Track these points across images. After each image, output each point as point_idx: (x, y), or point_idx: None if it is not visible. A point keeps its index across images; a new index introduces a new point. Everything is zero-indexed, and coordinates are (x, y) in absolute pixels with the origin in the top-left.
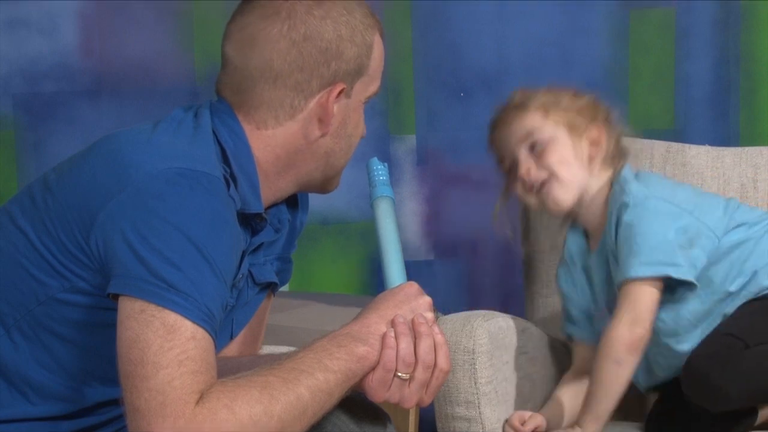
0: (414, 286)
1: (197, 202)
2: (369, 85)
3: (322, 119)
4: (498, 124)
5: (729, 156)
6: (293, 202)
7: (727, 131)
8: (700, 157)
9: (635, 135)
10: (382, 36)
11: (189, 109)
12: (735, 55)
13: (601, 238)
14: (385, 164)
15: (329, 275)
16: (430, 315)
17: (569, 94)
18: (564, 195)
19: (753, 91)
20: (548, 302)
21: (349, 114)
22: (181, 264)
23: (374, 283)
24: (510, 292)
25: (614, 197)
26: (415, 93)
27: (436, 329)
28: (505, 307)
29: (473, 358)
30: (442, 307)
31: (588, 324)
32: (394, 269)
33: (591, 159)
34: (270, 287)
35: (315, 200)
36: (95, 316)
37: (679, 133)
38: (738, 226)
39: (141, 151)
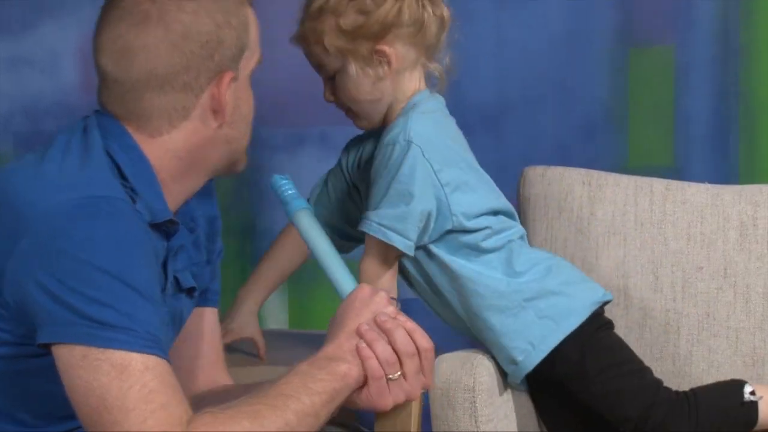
0: (365, 289)
1: (102, 231)
2: (251, 59)
3: (217, 111)
4: (297, 32)
5: (728, 194)
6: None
7: (726, 169)
8: (700, 194)
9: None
10: (251, 4)
11: (74, 130)
12: (734, 93)
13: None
14: (288, 176)
15: (329, 314)
16: (391, 309)
17: (346, 11)
18: (363, 123)
19: (752, 128)
20: None
21: (240, 95)
22: (107, 299)
23: None
24: None
25: (398, 119)
26: None
27: (402, 318)
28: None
29: (473, 396)
30: (443, 345)
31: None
32: (341, 278)
33: (379, 78)
34: (192, 293)
35: None
36: (20, 364)
37: (678, 170)
38: (486, 214)
39: (32, 187)
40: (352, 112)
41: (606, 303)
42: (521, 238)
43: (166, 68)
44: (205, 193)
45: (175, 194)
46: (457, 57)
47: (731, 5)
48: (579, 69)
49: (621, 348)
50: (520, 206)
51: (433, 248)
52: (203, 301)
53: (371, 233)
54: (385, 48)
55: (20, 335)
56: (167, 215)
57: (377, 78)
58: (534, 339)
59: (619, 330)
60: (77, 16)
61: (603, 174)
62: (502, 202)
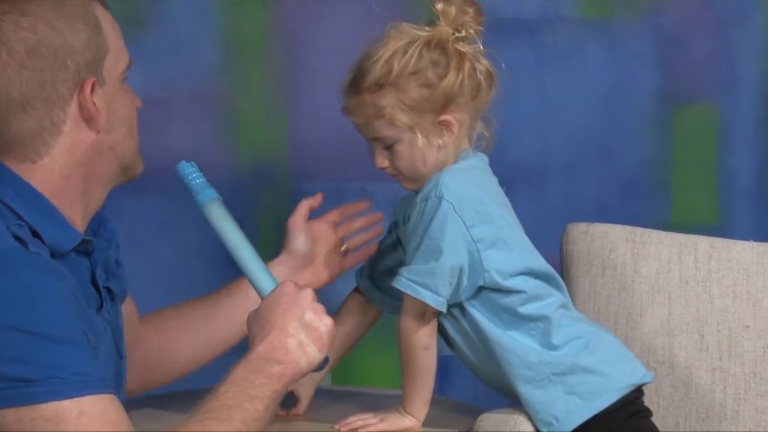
0: (290, 285)
1: (0, 288)
2: (118, 61)
3: (89, 119)
4: (349, 105)
5: None
6: None
7: None
8: (745, 252)
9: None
10: (105, 5)
11: None
12: None
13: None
14: (193, 164)
15: (371, 369)
16: (317, 306)
17: (409, 85)
18: (413, 185)
19: None
20: None
21: (113, 100)
22: (21, 355)
23: None
24: None
25: (435, 177)
26: None
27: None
28: None
29: None
30: (483, 403)
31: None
32: (260, 275)
33: (443, 146)
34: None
35: None
36: None
37: (722, 228)
38: (522, 274)
39: None
40: (402, 176)
41: (644, 384)
42: (563, 307)
43: (21, 90)
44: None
45: (80, 212)
46: (500, 114)
47: None
48: (622, 126)
49: None
50: (562, 263)
51: (468, 306)
52: (122, 297)
53: (401, 288)
54: (449, 117)
55: None
56: (75, 239)
57: (443, 146)
58: (559, 413)
59: (664, 390)
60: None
61: (647, 231)
62: (540, 263)
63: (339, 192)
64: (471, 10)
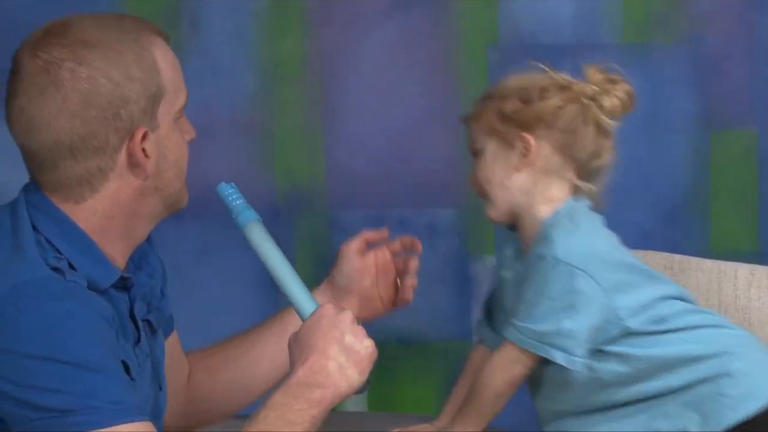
0: (329, 307)
1: (32, 319)
2: (175, 101)
3: (137, 165)
4: (466, 115)
5: None
6: None
7: None
8: None
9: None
10: (167, 39)
11: (2, 216)
12: None
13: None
14: (233, 185)
15: (409, 396)
16: (357, 328)
17: (505, 92)
18: (491, 212)
19: None
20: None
21: (163, 144)
22: (59, 386)
23: None
24: None
25: (543, 232)
26: None
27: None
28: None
29: None
30: (518, 427)
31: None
32: (301, 297)
33: (516, 169)
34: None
35: (394, 320)
36: None
37: (762, 254)
38: (653, 303)
39: None
40: (484, 195)
41: None
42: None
43: (71, 137)
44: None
45: (121, 249)
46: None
47: None
48: (660, 152)
49: None
50: None
51: (607, 348)
52: (170, 329)
53: (523, 347)
54: (530, 138)
55: None
56: (113, 277)
57: (512, 164)
58: (709, 413)
59: None
60: None
61: (685, 258)
62: (668, 288)
63: (376, 219)
64: (620, 88)
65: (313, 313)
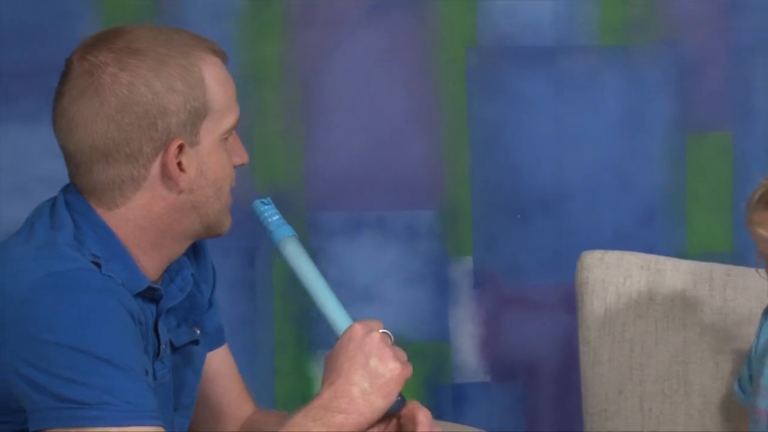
0: (358, 329)
1: (65, 307)
2: (222, 120)
3: (171, 179)
4: (753, 218)
5: None
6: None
7: None
8: (761, 280)
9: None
10: (223, 59)
11: (42, 211)
12: None
13: None
14: (268, 200)
15: None
16: (384, 349)
17: None
18: None
19: None
20: (607, 426)
21: (204, 161)
22: (78, 377)
23: (431, 407)
24: (568, 415)
25: None
26: (472, 215)
27: (400, 355)
28: (563, 429)
29: None
30: (498, 429)
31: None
32: (335, 314)
33: None
34: (198, 342)
35: None
36: None
37: (737, 256)
38: None
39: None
40: None
41: None
42: None
43: (105, 141)
44: (201, 252)
45: (153, 261)
46: (517, 142)
47: None
48: (637, 154)
49: None
50: (578, 290)
51: None
52: (216, 342)
53: None
54: None
55: (21, 421)
56: (141, 285)
57: None
58: None
59: (679, 418)
60: None
61: (662, 258)
62: None
63: (357, 221)
64: None
65: (345, 332)
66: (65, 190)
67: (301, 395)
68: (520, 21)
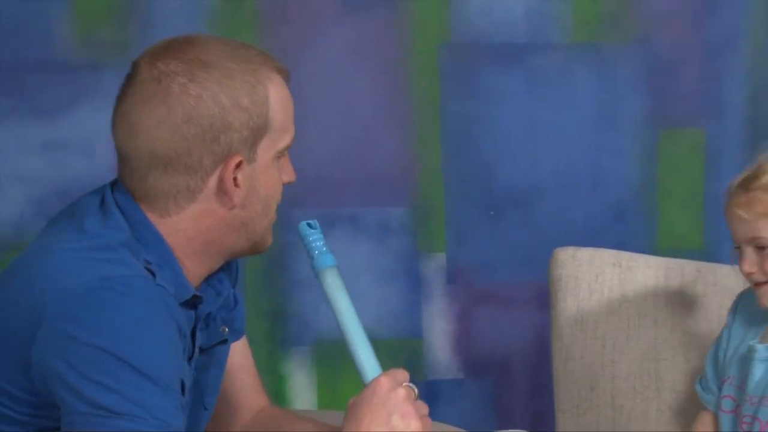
0: (383, 382)
1: (114, 314)
2: (279, 140)
3: (225, 194)
4: (732, 201)
5: None
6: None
7: None
8: (731, 277)
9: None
10: (286, 78)
11: (89, 206)
12: None
13: None
14: (315, 223)
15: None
16: (407, 406)
17: None
18: None
19: None
20: (579, 422)
21: (257, 178)
22: (114, 384)
23: None
24: (540, 411)
25: None
26: (445, 211)
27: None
28: (535, 426)
29: None
30: (471, 426)
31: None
32: (365, 359)
33: None
34: (226, 342)
35: None
36: None
37: (708, 253)
38: None
39: (49, 271)
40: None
41: None
42: None
43: (167, 150)
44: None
45: (197, 270)
46: (490, 139)
47: (761, 89)
48: (610, 151)
49: None
50: (550, 287)
51: None
52: (238, 334)
53: None
54: None
55: (56, 418)
56: (187, 294)
57: None
58: None
59: (650, 414)
60: (112, 99)
61: (634, 255)
62: None
63: (330, 218)
64: None
65: (370, 383)
66: (114, 188)
67: (274, 393)
68: (492, 18)
